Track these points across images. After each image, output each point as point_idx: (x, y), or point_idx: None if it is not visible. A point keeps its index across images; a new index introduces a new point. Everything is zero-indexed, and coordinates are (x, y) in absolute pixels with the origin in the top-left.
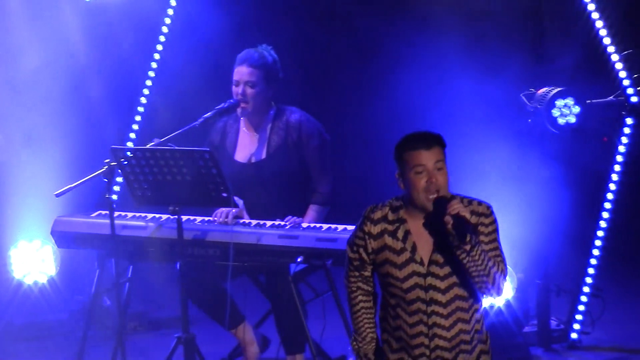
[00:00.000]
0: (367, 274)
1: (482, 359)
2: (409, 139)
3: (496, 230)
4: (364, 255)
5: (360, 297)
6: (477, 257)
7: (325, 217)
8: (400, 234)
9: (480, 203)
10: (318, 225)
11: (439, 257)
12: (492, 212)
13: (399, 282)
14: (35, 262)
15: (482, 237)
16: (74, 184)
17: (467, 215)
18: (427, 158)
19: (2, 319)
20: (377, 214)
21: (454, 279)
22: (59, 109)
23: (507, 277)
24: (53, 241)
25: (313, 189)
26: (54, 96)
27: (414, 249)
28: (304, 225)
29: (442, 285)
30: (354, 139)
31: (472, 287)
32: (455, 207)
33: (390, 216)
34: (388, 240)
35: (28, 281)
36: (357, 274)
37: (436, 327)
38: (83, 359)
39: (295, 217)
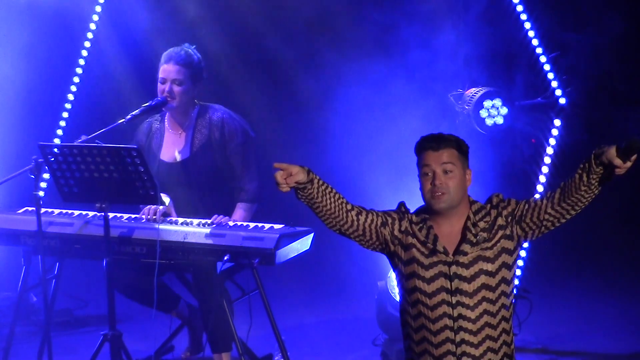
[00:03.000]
0: (370, 219)
1: None
2: (422, 140)
3: (517, 202)
4: (390, 227)
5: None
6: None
7: (254, 215)
8: (423, 231)
9: (490, 199)
10: (245, 223)
11: (466, 247)
12: (502, 196)
13: (424, 281)
14: None
15: (518, 212)
16: (1, 180)
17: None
18: (433, 159)
19: None
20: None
21: (480, 267)
22: None
23: None
24: None
25: (239, 188)
26: None
27: (435, 240)
28: (231, 223)
29: (467, 274)
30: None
31: (501, 281)
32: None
33: (415, 218)
34: (413, 240)
35: None
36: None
37: (461, 319)
38: (9, 355)
39: (221, 216)
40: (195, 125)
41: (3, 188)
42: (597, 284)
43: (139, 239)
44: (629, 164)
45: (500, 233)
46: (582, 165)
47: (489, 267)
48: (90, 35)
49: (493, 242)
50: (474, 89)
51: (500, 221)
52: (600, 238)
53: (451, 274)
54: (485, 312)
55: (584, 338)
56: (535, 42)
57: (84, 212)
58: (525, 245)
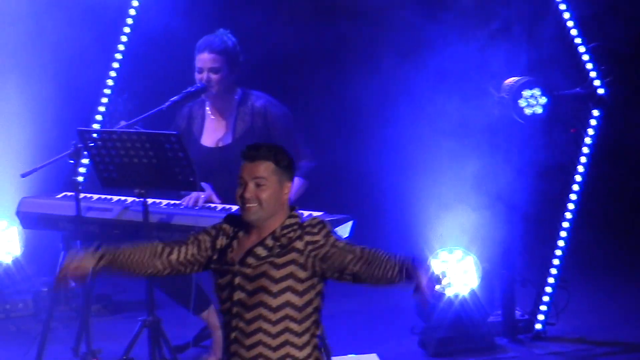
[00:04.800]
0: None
1: None
2: (245, 148)
3: (334, 242)
4: (203, 247)
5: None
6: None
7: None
8: (226, 240)
9: (312, 224)
10: None
11: (252, 260)
12: (324, 226)
13: (218, 287)
14: (1, 243)
15: (324, 251)
16: (40, 165)
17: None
18: (247, 170)
19: None
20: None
21: (261, 283)
22: (26, 89)
23: (473, 266)
24: (18, 222)
25: None
26: (21, 76)
27: (226, 248)
28: None
29: (249, 287)
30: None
31: (284, 304)
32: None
33: (227, 228)
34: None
35: None
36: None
37: (238, 331)
38: (48, 340)
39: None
40: (238, 112)
41: (42, 173)
42: (637, 274)
43: (177, 225)
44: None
45: (291, 257)
46: (395, 264)
47: (272, 286)
48: (130, 20)
49: (281, 263)
50: (513, 78)
51: (298, 245)
52: None
53: (235, 284)
54: (261, 330)
55: (622, 328)
56: (574, 32)
57: (122, 198)
58: (563, 234)
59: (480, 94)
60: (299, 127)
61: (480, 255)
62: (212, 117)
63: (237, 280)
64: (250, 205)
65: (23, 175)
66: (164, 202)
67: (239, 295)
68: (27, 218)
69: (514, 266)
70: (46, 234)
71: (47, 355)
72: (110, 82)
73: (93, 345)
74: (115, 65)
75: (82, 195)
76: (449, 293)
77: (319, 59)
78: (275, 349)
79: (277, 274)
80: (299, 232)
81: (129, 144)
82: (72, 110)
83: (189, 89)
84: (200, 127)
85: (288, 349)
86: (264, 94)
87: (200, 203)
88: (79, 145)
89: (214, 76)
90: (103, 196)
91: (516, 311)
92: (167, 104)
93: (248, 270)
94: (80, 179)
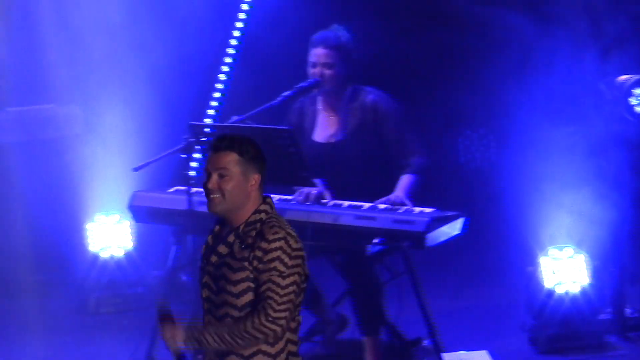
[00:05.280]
0: None
1: None
2: (214, 138)
3: (275, 263)
4: None
5: None
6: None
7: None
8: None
9: (268, 232)
10: (396, 207)
11: (214, 258)
12: (274, 241)
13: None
14: (113, 236)
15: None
16: (152, 159)
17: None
18: (212, 160)
19: (79, 293)
20: None
21: (224, 284)
22: (138, 83)
23: (584, 263)
24: (130, 215)
25: (405, 164)
26: (131, 71)
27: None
28: (381, 206)
29: (214, 286)
30: None
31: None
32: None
33: (216, 227)
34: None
35: (105, 255)
36: None
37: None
38: (159, 334)
39: (392, 196)
40: (349, 107)
41: (154, 167)
42: None
43: (289, 220)
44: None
45: (245, 261)
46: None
47: (232, 287)
48: (242, 15)
49: (237, 267)
50: (625, 76)
51: (258, 253)
52: None
53: (203, 282)
54: None
55: None
56: None
57: None
58: None
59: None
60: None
61: (591, 253)
62: (324, 112)
63: (205, 278)
64: (214, 196)
65: (135, 169)
66: (276, 197)
67: (206, 293)
68: (139, 212)
69: (623, 264)
70: (158, 228)
71: (158, 349)
72: (222, 77)
73: None
74: (228, 60)
75: (193, 189)
76: (560, 290)
77: (426, 65)
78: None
79: (234, 276)
80: (255, 240)
81: None
82: (184, 105)
83: (302, 84)
84: (312, 122)
85: (259, 345)
86: (375, 89)
87: (312, 198)
88: (191, 140)
89: (327, 71)
90: None
91: (626, 309)
92: (279, 99)
93: (212, 269)
94: (192, 173)
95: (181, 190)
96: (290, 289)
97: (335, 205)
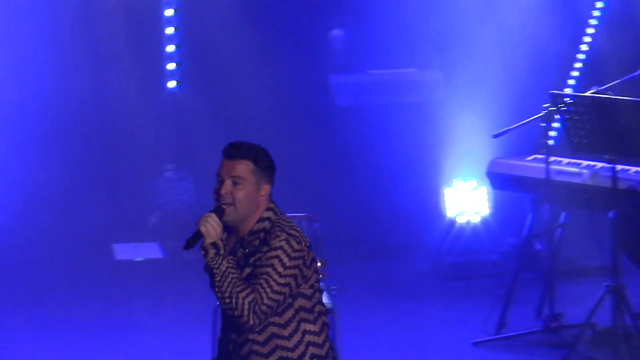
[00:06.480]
0: None
1: None
2: (227, 145)
3: (274, 261)
4: None
5: None
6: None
7: None
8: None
9: (270, 239)
10: None
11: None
12: (275, 245)
13: None
14: (470, 202)
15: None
16: (511, 127)
17: (202, 229)
18: (225, 167)
19: (435, 257)
20: None
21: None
22: (499, 53)
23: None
24: (488, 182)
25: None
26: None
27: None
28: None
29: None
30: None
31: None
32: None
33: None
34: None
35: (461, 220)
36: None
37: None
38: (511, 301)
39: None
40: None
41: (513, 135)
42: None
43: None
44: None
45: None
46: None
47: None
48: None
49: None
50: None
51: (259, 255)
52: None
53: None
54: (250, 340)
55: None
56: None
57: (591, 163)
58: None
59: None
60: None
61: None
62: None
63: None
64: (225, 205)
65: (494, 136)
66: (633, 169)
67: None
68: (497, 179)
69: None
70: (514, 196)
71: (509, 316)
72: (584, 47)
73: (556, 309)
74: (590, 30)
75: (552, 158)
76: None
77: None
78: (267, 355)
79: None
80: (262, 241)
81: (602, 110)
82: (546, 73)
83: None
84: None
85: (280, 353)
86: None
87: None
88: (551, 109)
89: None
90: (573, 160)
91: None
92: None
93: None
94: (551, 142)
95: (540, 158)
96: (283, 289)
97: None
